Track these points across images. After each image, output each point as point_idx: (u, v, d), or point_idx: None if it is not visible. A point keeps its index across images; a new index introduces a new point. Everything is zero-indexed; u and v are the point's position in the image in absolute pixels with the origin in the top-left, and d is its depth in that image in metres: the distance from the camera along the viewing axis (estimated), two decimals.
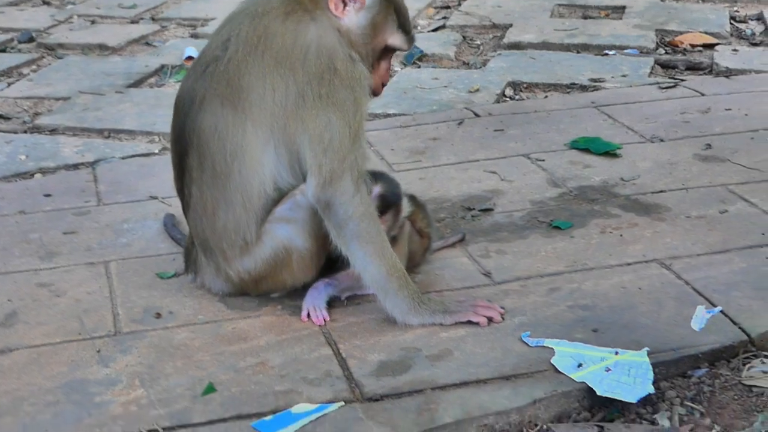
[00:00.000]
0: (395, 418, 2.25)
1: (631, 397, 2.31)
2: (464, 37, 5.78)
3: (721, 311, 2.65)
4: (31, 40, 5.93)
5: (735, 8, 6.25)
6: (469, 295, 2.77)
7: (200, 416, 2.29)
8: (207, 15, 6.35)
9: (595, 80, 4.88)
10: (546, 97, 4.73)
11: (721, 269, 2.89)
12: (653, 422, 2.31)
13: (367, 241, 2.61)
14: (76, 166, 4.00)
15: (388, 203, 2.77)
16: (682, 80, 4.82)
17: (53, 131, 4.44)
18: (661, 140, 3.97)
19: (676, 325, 2.60)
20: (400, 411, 2.28)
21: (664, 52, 5.40)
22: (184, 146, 2.73)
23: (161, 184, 3.67)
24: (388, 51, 2.75)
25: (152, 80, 5.19)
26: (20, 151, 4.16)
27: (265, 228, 2.69)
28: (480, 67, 5.20)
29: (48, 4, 6.87)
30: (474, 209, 3.38)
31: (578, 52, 5.39)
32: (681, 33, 5.61)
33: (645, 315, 2.65)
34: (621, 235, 3.13)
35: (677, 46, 5.45)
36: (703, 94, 4.54)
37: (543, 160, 3.79)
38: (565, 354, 2.47)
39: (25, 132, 4.44)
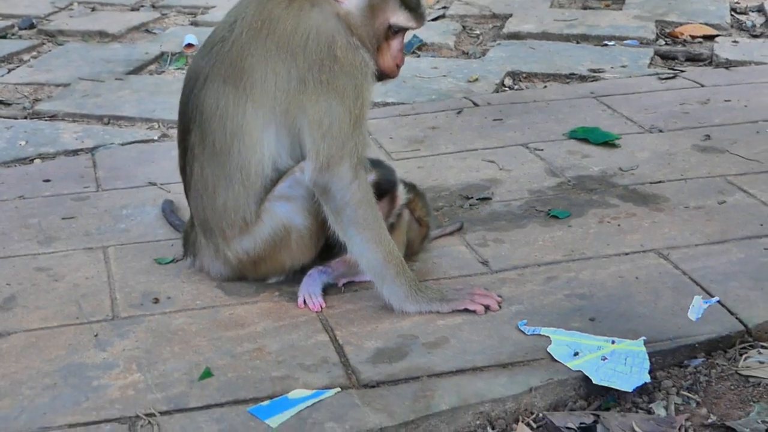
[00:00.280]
0: (391, 405, 2.25)
1: (628, 386, 2.32)
2: (464, 27, 5.77)
3: (719, 301, 2.65)
4: (31, 26, 5.93)
5: (735, 0, 6.24)
6: (466, 284, 2.78)
7: (197, 401, 2.30)
8: (207, 3, 6.34)
9: (594, 71, 4.88)
10: (545, 87, 4.73)
11: (718, 259, 2.89)
12: (649, 411, 2.32)
13: (365, 228, 2.62)
14: (75, 152, 4.01)
15: (383, 190, 2.77)
16: (682, 71, 4.82)
17: (53, 117, 4.44)
18: (660, 131, 3.97)
19: (673, 314, 2.60)
20: (396, 397, 2.28)
21: (663, 43, 5.40)
22: (188, 123, 2.76)
23: (160, 171, 3.67)
24: (394, 31, 2.69)
25: (152, 67, 5.19)
26: (20, 136, 4.16)
27: (265, 206, 2.70)
28: (479, 57, 5.19)
29: None
30: (472, 198, 3.38)
31: (578, 43, 5.39)
32: (681, 24, 5.61)
33: (642, 304, 2.65)
34: (619, 225, 3.14)
35: (677, 38, 5.45)
36: (702, 86, 4.54)
37: (541, 150, 3.79)
38: (562, 342, 2.47)
39: (25, 118, 4.44)
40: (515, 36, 5.50)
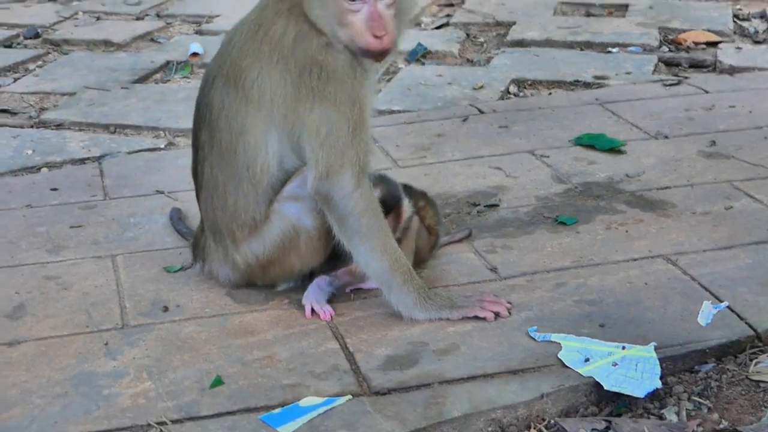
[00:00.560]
0: (403, 412, 2.25)
1: (639, 391, 2.32)
2: (468, 35, 5.78)
3: (728, 306, 2.65)
4: (36, 36, 5.94)
5: (738, 6, 6.25)
6: (475, 290, 2.78)
7: (208, 409, 2.30)
8: (212, 12, 6.35)
9: (599, 77, 4.88)
10: (550, 94, 4.74)
11: (727, 265, 2.89)
12: (661, 417, 2.32)
13: (369, 237, 2.61)
14: (82, 161, 4.02)
15: (388, 206, 2.76)
16: (686, 77, 4.82)
17: (59, 126, 4.44)
18: (666, 137, 3.97)
19: (683, 320, 2.60)
20: (407, 404, 2.28)
21: (667, 49, 5.40)
22: (199, 123, 2.78)
23: (168, 179, 3.68)
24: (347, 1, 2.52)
25: (158, 76, 5.20)
26: (26, 145, 4.17)
27: (274, 207, 2.70)
28: (484, 65, 5.20)
29: (53, 0, 6.87)
30: (479, 205, 3.38)
31: (582, 50, 5.40)
32: (684, 31, 5.61)
33: (651, 310, 2.66)
34: (626, 231, 3.14)
35: (680, 44, 5.45)
36: (707, 92, 4.54)
37: (548, 157, 3.79)
38: (572, 349, 2.47)
39: (31, 127, 4.45)
40: (519, 43, 5.51)
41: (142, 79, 5.09)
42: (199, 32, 5.98)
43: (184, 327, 2.67)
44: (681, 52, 5.33)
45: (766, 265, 2.89)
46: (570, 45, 5.46)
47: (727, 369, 2.48)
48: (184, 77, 5.17)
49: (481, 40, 5.72)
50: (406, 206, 2.83)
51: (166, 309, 2.76)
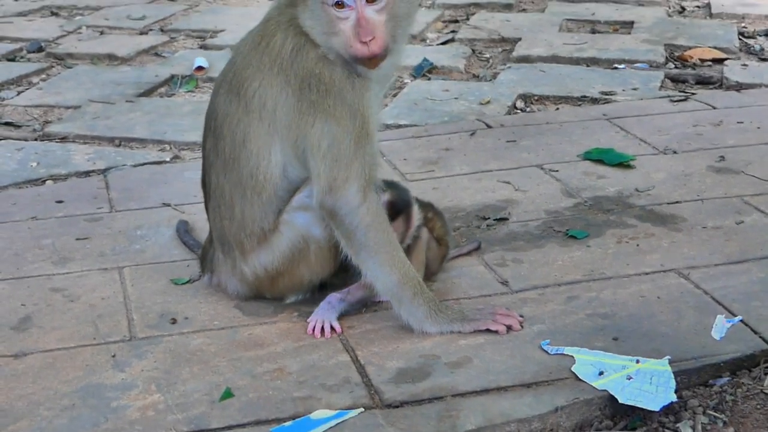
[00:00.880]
0: (416, 425, 2.22)
1: (654, 405, 2.29)
2: (473, 51, 5.78)
3: (741, 320, 2.63)
4: (40, 49, 5.93)
5: (743, 24, 6.25)
6: (486, 303, 2.76)
7: (218, 421, 2.27)
8: (216, 27, 6.35)
9: (605, 93, 4.88)
10: (557, 109, 4.73)
11: (739, 279, 2.87)
12: (676, 431, 2.29)
13: (377, 251, 2.59)
14: (87, 174, 3.99)
15: (398, 210, 2.74)
16: (693, 94, 4.81)
17: (63, 139, 4.43)
18: (675, 152, 3.96)
19: (697, 334, 2.58)
20: (420, 417, 2.25)
21: (673, 66, 5.40)
22: (206, 131, 2.78)
23: (174, 192, 3.66)
24: (338, 7, 2.50)
25: (162, 90, 5.19)
26: (31, 158, 4.15)
27: (283, 218, 2.67)
28: (490, 80, 5.19)
29: (57, 14, 6.87)
30: (489, 219, 3.36)
31: (588, 66, 5.39)
32: (690, 48, 5.61)
33: (665, 324, 2.63)
34: (638, 245, 3.12)
35: (686, 61, 5.45)
36: (714, 108, 4.53)
37: (557, 171, 3.78)
38: (586, 362, 2.44)
39: (36, 140, 4.43)
40: (525, 59, 5.51)
41: (147, 93, 5.08)
42: (204, 47, 5.98)
43: (192, 339, 2.64)
44: (687, 69, 5.32)
45: None
46: (576, 61, 5.45)
47: (742, 383, 2.45)
48: (189, 91, 5.16)
49: (487, 55, 5.71)
50: (416, 211, 2.81)
51: (174, 321, 2.73)
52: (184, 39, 6.22)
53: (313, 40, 2.57)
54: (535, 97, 4.88)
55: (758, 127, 4.22)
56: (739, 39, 5.87)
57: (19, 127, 4.63)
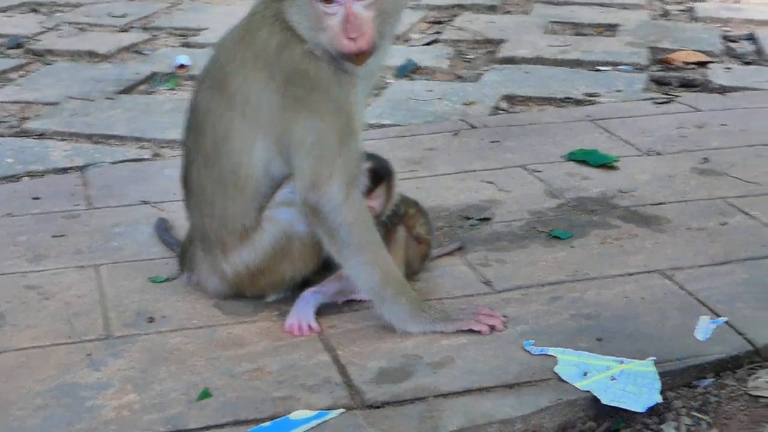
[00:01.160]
0: (398, 426, 2.19)
1: (638, 406, 2.26)
2: (457, 51, 5.76)
3: (726, 322, 2.61)
4: (19, 46, 5.86)
5: (726, 28, 6.26)
6: (469, 303, 2.72)
7: (196, 422, 2.22)
8: (199, 25, 6.29)
9: (589, 95, 4.86)
10: (541, 110, 4.71)
11: (723, 280, 2.85)
12: None
13: (360, 250, 2.56)
14: (65, 170, 3.93)
15: (379, 177, 2.71)
16: (677, 96, 4.80)
17: (41, 135, 4.36)
18: (658, 154, 3.94)
19: (681, 335, 2.56)
20: (402, 418, 2.22)
21: (657, 68, 5.39)
22: (188, 127, 2.74)
23: (153, 189, 3.60)
24: (322, 2, 2.46)
25: (143, 87, 5.13)
26: (7, 154, 4.09)
27: (266, 214, 2.63)
28: (474, 80, 5.17)
29: (36, 11, 6.80)
30: (472, 218, 3.33)
31: (572, 68, 5.38)
32: (674, 51, 5.61)
33: (649, 325, 2.61)
34: (622, 246, 3.09)
35: (670, 64, 5.45)
36: (698, 110, 4.53)
37: (540, 171, 3.75)
38: (569, 363, 2.41)
39: (12, 136, 4.36)
40: (509, 60, 5.48)
41: (127, 90, 5.02)
42: (186, 45, 5.92)
43: (170, 338, 2.59)
44: (671, 72, 5.32)
45: (763, 280, 2.86)
46: (560, 63, 5.43)
47: (726, 384, 2.44)
48: (170, 89, 5.10)
49: (471, 56, 5.69)
50: (397, 181, 2.76)
51: (151, 320, 2.68)
52: (166, 37, 6.16)
53: (299, 35, 2.53)
54: (519, 98, 4.86)
55: (741, 130, 4.21)
56: (723, 42, 5.87)
57: None
